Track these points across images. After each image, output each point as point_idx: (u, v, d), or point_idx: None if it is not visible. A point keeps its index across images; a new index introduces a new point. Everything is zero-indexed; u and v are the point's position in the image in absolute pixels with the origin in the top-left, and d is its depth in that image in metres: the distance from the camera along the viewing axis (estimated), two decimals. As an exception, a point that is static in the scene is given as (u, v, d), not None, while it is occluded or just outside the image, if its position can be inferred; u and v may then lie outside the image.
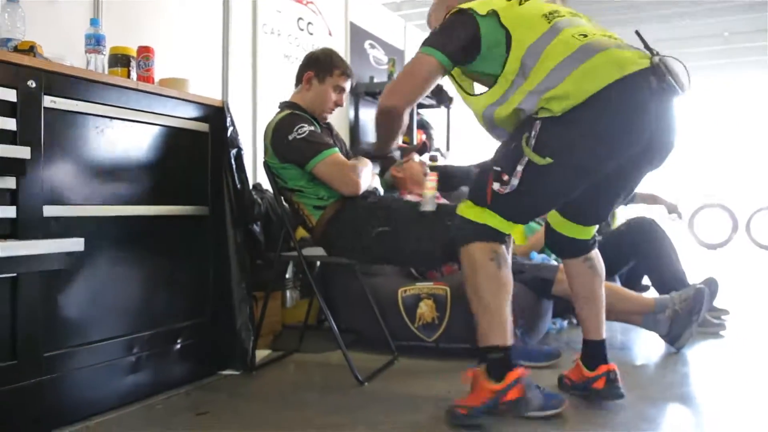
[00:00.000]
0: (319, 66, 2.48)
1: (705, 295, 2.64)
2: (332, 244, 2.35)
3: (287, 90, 3.75)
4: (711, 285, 2.89)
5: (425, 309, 2.60)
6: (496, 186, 1.76)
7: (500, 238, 1.82)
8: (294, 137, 2.28)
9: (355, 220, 2.26)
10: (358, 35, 4.64)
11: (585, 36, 1.75)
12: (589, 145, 1.74)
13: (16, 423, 1.70)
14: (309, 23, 4.05)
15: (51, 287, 1.80)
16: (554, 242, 2.07)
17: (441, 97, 4.94)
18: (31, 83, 1.74)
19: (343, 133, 4.10)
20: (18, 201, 1.70)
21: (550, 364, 2.45)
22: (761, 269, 6.64)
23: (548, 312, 2.91)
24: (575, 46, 1.73)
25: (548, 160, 1.71)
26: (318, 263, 3.16)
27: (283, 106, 2.50)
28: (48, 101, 1.79)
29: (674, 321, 2.60)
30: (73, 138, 1.89)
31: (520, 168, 1.73)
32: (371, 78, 4.66)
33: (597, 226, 2.03)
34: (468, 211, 1.84)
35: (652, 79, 1.71)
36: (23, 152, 1.68)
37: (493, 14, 1.82)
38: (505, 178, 1.74)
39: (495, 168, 1.78)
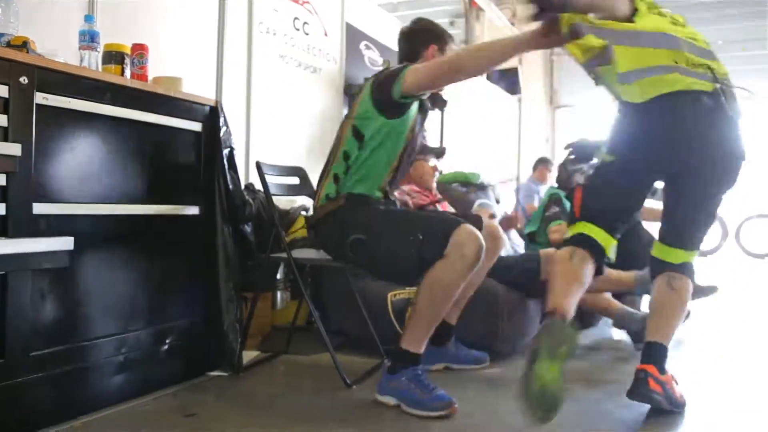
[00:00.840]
0: (439, 38, 2.41)
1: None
2: (322, 240, 2.30)
3: (282, 90, 3.79)
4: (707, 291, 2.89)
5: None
6: None
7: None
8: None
9: (343, 223, 2.21)
10: (353, 36, 4.62)
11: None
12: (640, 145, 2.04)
13: (2, 422, 1.68)
14: (305, 23, 4.04)
15: (39, 286, 1.79)
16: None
17: (435, 99, 4.93)
18: (24, 79, 1.73)
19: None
20: (8, 198, 1.69)
21: (478, 368, 2.54)
22: (750, 276, 6.68)
23: (528, 310, 2.84)
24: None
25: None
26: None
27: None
28: (40, 98, 1.78)
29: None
30: (65, 135, 1.87)
31: None
32: (366, 79, 4.64)
33: (684, 251, 2.15)
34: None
35: (705, 99, 1.94)
36: (14, 149, 1.67)
37: None
38: None
39: None
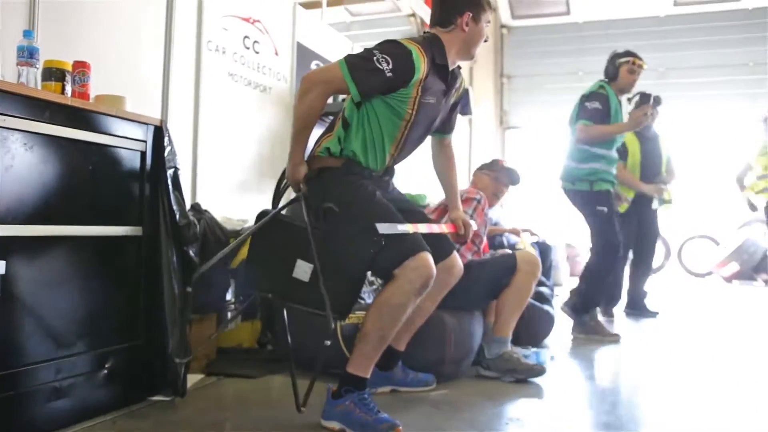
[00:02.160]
0: (473, 4, 2.26)
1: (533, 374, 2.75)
2: (309, 192, 2.21)
3: (231, 109, 3.76)
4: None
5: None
6: None
7: None
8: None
9: (328, 185, 2.16)
10: (304, 55, 4.63)
11: None
12: None
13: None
14: (255, 41, 4.02)
15: (-31, 310, 1.71)
16: None
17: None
18: (-44, 97, 1.67)
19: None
20: (-64, 220, 1.62)
21: (425, 390, 2.54)
22: (692, 294, 6.88)
23: (476, 331, 2.87)
24: None
25: None
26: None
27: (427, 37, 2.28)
28: (-27, 115, 1.72)
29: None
30: (0, 155, 1.81)
31: None
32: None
33: None
34: None
35: None
36: (-57, 169, 1.61)
37: None
38: None
39: None
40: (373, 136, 2.20)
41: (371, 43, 2.24)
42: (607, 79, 4.03)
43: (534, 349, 3.02)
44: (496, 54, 9.18)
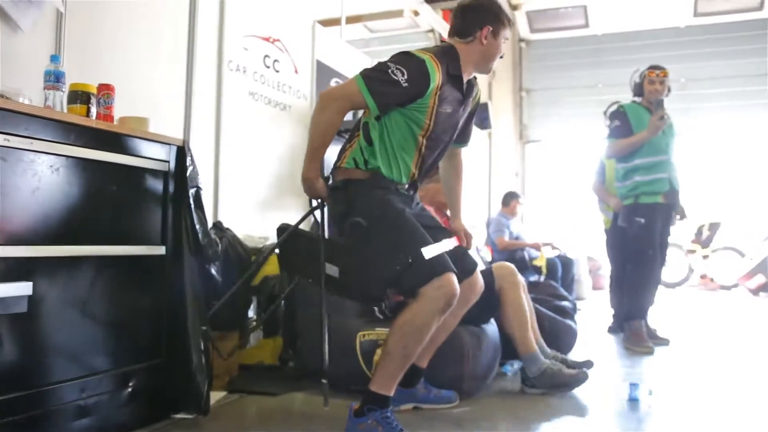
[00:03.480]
0: (494, 19, 2.28)
1: (579, 382, 2.76)
2: (333, 203, 2.24)
3: (251, 127, 3.80)
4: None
5: (382, 356, 2.58)
6: None
7: None
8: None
9: (356, 198, 2.17)
10: (324, 73, 4.67)
11: None
12: None
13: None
14: (275, 60, 4.07)
15: (-3, 330, 1.75)
16: None
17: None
18: (-15, 121, 1.71)
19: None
20: (-34, 242, 1.66)
21: (447, 407, 2.52)
22: (717, 307, 6.78)
23: (495, 346, 2.85)
24: None
25: None
26: (283, 303, 3.14)
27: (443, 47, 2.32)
28: (1, 139, 1.76)
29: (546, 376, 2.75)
30: (27, 177, 1.85)
31: None
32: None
33: None
34: None
35: None
36: (-27, 192, 1.65)
37: None
38: None
39: None
40: (394, 149, 2.21)
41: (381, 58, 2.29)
42: (635, 97, 4.25)
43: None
44: (514, 68, 9.18)
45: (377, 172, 2.20)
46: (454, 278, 2.04)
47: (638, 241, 4.04)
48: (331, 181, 2.25)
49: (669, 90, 4.14)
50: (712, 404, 2.72)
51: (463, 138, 2.53)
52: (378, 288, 2.13)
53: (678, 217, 4.22)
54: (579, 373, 2.76)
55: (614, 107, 4.23)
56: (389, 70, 2.10)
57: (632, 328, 4.02)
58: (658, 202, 4.03)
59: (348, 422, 2.11)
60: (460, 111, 2.32)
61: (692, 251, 8.75)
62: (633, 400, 2.65)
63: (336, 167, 2.28)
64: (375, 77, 2.12)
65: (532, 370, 2.75)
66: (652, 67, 4.17)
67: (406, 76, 2.10)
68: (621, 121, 4.11)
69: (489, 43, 2.28)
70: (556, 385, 2.73)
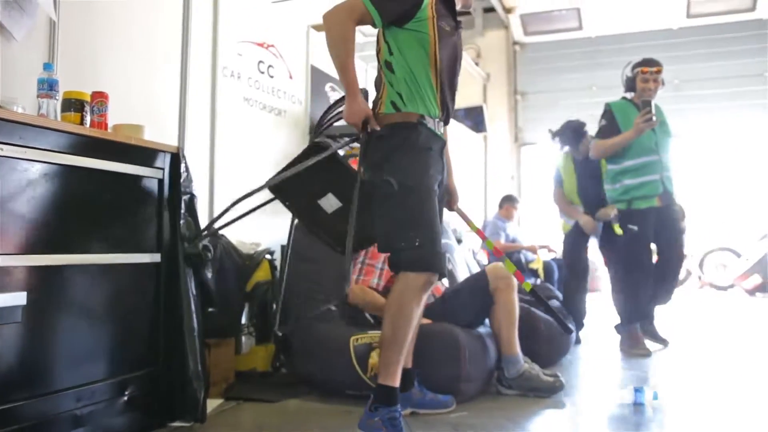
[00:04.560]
0: None
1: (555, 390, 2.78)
2: (373, 147, 2.25)
3: (246, 133, 3.80)
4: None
5: (377, 359, 2.55)
6: None
7: None
8: None
9: (395, 151, 2.20)
10: (318, 78, 4.68)
11: None
12: None
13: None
14: (270, 66, 4.07)
15: (-9, 340, 1.74)
16: None
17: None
18: (-22, 131, 1.71)
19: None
20: (-41, 251, 1.65)
21: (444, 412, 2.52)
22: (714, 308, 6.80)
23: (491, 347, 2.84)
24: None
25: None
26: (274, 306, 3.14)
27: None
28: (-4, 148, 1.76)
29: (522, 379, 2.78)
30: (22, 185, 1.85)
31: None
32: (331, 120, 4.68)
33: None
34: None
35: None
36: (-34, 202, 1.64)
37: None
38: None
39: None
40: (415, 76, 2.24)
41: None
42: (626, 92, 4.11)
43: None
44: (509, 71, 9.20)
45: (416, 115, 2.23)
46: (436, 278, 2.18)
47: (631, 247, 3.95)
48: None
49: (663, 83, 4.01)
50: (716, 407, 2.72)
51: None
52: (365, 243, 2.30)
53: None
54: (556, 381, 2.78)
55: (605, 107, 4.11)
56: None
57: (627, 332, 3.99)
58: (653, 206, 3.92)
59: (363, 414, 2.17)
60: (456, 37, 2.35)
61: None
62: (638, 404, 2.63)
63: (375, 115, 2.28)
64: None
65: (510, 371, 2.78)
66: (645, 62, 4.01)
67: None
68: (607, 120, 4.02)
69: None
70: (532, 388, 2.75)
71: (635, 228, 3.91)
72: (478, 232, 2.91)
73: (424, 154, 2.24)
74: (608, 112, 4.05)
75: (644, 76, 3.97)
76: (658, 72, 3.97)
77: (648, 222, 3.93)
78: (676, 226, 4.05)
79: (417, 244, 2.10)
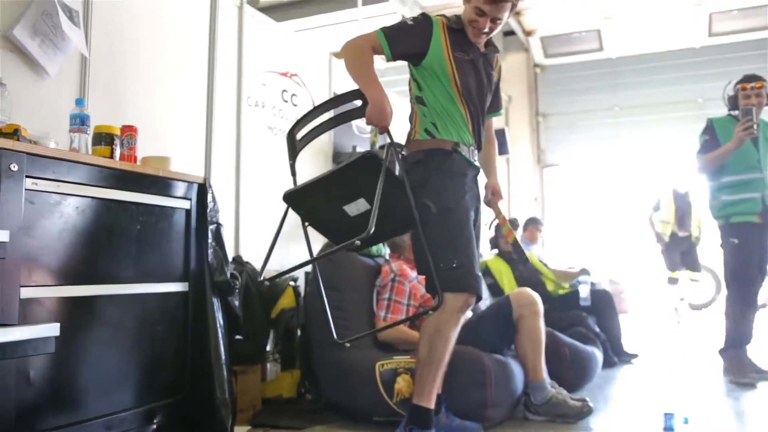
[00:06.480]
0: None
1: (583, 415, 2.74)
2: (412, 169, 2.27)
3: (271, 161, 3.85)
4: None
5: (403, 384, 2.56)
6: None
7: None
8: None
9: (433, 174, 2.27)
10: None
11: None
12: None
13: None
14: (293, 95, 4.14)
15: (24, 371, 1.78)
16: None
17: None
18: (14, 166, 1.77)
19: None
20: (-5, 284, 1.70)
21: None
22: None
23: (517, 372, 2.80)
24: None
25: None
26: (299, 333, 3.16)
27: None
28: (29, 183, 1.81)
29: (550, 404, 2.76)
30: (54, 219, 1.90)
31: None
32: (354, 147, 4.73)
33: None
34: None
35: None
36: (2, 236, 1.69)
37: None
38: None
39: None
40: (443, 106, 2.33)
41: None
42: (730, 111, 4.00)
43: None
44: (530, 93, 9.21)
45: (450, 142, 2.31)
46: (472, 297, 2.24)
47: (733, 262, 3.78)
48: (410, 153, 2.33)
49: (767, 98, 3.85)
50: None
51: (495, 106, 2.62)
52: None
53: None
54: (584, 406, 2.74)
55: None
56: (401, 20, 2.38)
57: (732, 358, 3.78)
58: (751, 221, 3.74)
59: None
60: (480, 63, 2.40)
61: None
62: (667, 430, 2.59)
63: (410, 141, 2.38)
64: (389, 25, 2.34)
65: (537, 397, 2.76)
66: (745, 78, 3.93)
67: (412, 22, 2.35)
68: (709, 135, 3.89)
69: (465, 6, 2.39)
70: (560, 414, 2.73)
71: (736, 241, 3.75)
72: (508, 233, 2.85)
73: (459, 179, 2.30)
74: (710, 128, 3.93)
75: (745, 92, 3.87)
76: (761, 87, 3.87)
77: (750, 235, 3.74)
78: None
79: (455, 265, 2.16)
